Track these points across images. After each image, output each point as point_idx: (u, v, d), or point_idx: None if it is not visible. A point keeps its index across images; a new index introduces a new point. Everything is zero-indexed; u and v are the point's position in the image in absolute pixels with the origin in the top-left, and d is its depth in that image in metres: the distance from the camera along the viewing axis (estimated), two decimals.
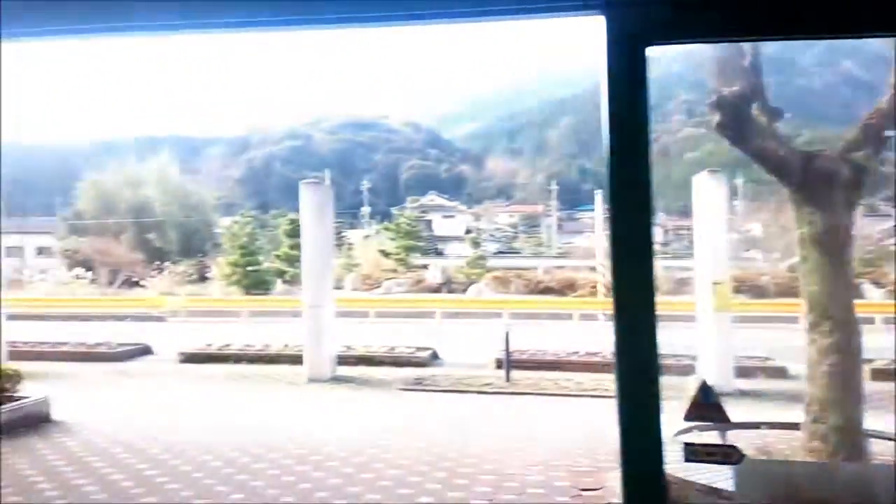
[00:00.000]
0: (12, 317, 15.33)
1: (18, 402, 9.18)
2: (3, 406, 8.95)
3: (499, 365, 12.46)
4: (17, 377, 9.50)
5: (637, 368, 1.52)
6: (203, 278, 33.39)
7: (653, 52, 1.52)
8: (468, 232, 45.66)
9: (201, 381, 12.07)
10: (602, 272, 20.92)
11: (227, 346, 14.74)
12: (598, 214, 21.93)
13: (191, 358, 14.11)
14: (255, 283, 29.84)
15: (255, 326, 20.14)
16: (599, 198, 21.85)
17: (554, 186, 58.29)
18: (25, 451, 7.86)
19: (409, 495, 6.30)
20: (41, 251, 43.86)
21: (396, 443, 8.01)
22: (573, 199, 66.23)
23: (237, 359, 13.93)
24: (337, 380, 12.06)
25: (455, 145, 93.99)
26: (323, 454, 7.54)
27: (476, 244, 36.34)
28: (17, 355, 12.72)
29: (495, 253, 41.45)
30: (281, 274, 31.47)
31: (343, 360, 13.01)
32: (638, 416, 1.53)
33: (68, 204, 49.08)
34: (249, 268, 30.53)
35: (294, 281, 30.45)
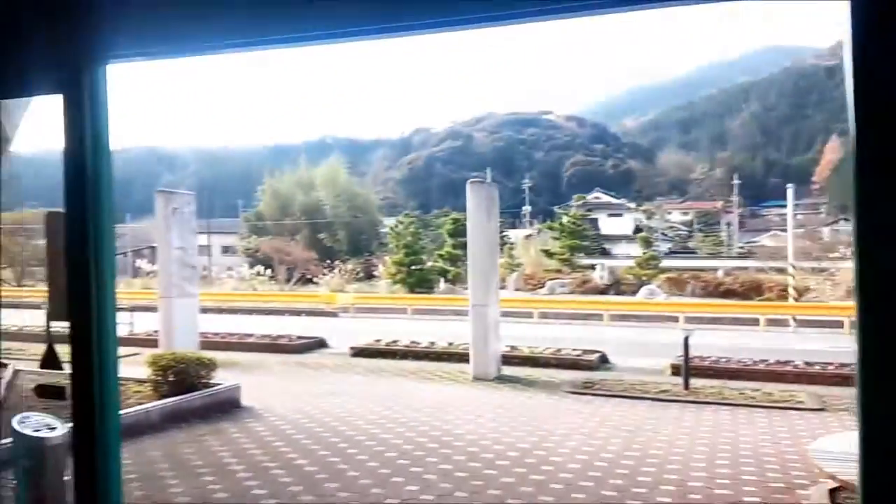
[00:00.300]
0: (203, 310, 16.96)
1: (213, 389, 10.19)
2: (200, 391, 9.99)
3: (676, 371, 11.99)
4: (212, 365, 10.53)
5: (887, 379, 1.41)
6: (370, 276, 35.16)
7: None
8: (638, 230, 44.28)
9: (372, 375, 12.72)
10: (793, 273, 19.41)
11: (395, 342, 15.41)
12: (788, 210, 20.33)
13: (361, 352, 14.90)
14: (419, 282, 30.93)
15: (419, 324, 20.86)
16: (790, 192, 20.27)
17: (735, 181, 55.05)
18: (219, 434, 8.71)
19: (584, 500, 6.26)
20: (226, 250, 48.35)
21: (567, 446, 7.97)
22: (757, 195, 62.28)
23: (404, 354, 14.52)
24: (502, 379, 12.21)
25: (622, 139, 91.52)
26: (493, 452, 7.67)
27: (647, 243, 35.13)
28: (208, 345, 14.13)
29: (668, 253, 39.90)
30: (444, 273, 32.36)
31: (508, 360, 13.14)
32: (886, 433, 1.41)
33: (250, 206, 53.69)
34: (413, 267, 31.69)
35: (456, 280, 31.23)
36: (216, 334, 16.35)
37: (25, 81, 3.34)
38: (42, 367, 3.34)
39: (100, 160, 3.14)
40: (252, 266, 35.03)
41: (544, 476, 6.89)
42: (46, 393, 4.46)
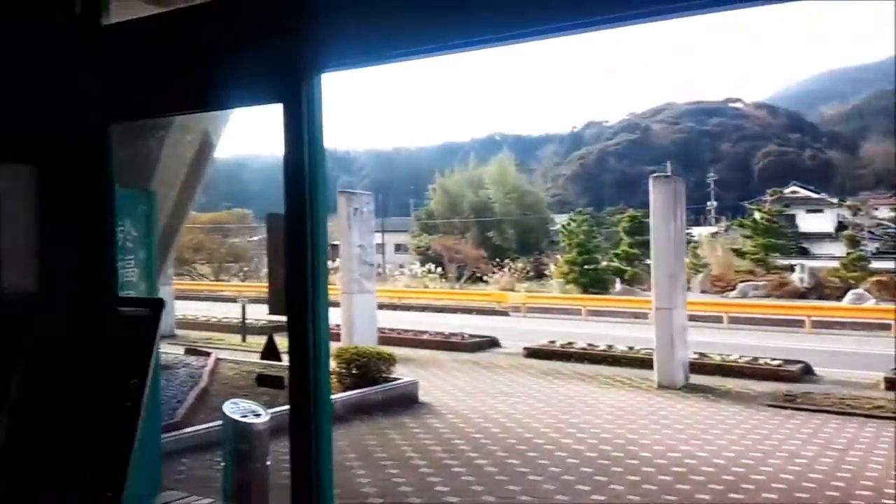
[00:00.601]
0: (378, 306, 17.72)
1: (393, 384, 10.62)
2: (380, 385, 10.44)
3: (891, 385, 10.86)
4: (391, 360, 10.98)
5: None
6: (540, 275, 35.09)
7: None
8: (842, 228, 40.52)
9: (547, 377, 12.62)
10: None
11: (570, 343, 15.21)
12: None
13: (535, 353, 14.87)
14: (593, 282, 30.35)
15: (594, 325, 20.48)
16: None
17: None
18: (400, 428, 9.05)
19: None
20: (398, 248, 50.44)
21: (768, 463, 7.44)
22: None
23: (580, 357, 14.29)
24: (690, 388, 11.65)
25: (821, 129, 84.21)
26: (684, 466, 7.32)
27: (854, 242, 32.04)
28: (384, 340, 14.76)
29: (876, 253, 36.11)
30: (620, 273, 31.53)
31: (696, 368, 12.53)
32: None
33: (422, 204, 55.56)
34: (587, 266, 31.15)
35: (634, 280, 30.31)
36: (392, 330, 17.06)
37: (247, 92, 3.62)
38: (263, 357, 3.61)
39: (316, 165, 3.33)
40: (423, 264, 36.20)
41: (744, 495, 6.47)
42: (266, 382, 4.85)
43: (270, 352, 3.48)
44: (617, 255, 33.08)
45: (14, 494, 3.23)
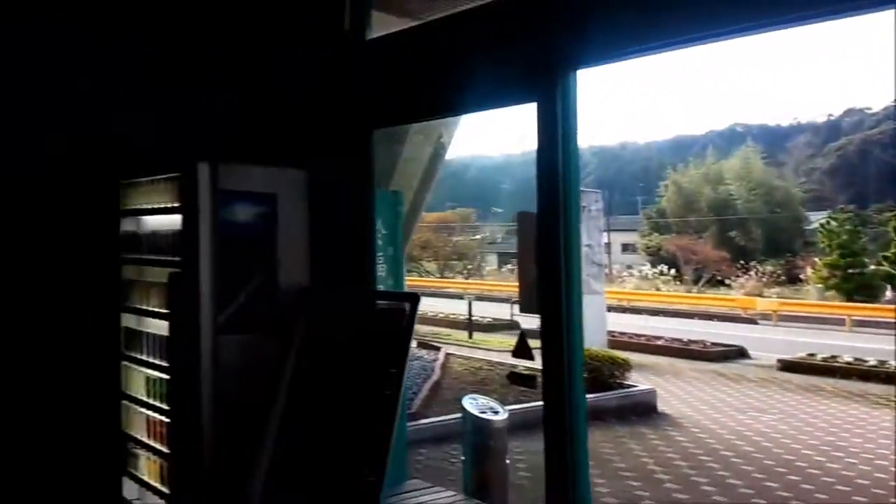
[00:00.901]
0: (608, 308, 17.45)
1: (628, 390, 10.44)
2: (614, 391, 10.31)
3: None
4: (626, 366, 10.80)
5: None
6: (793, 280, 32.45)
7: None
8: None
9: (807, 394, 11.65)
10: None
11: (834, 357, 13.92)
12: None
13: (792, 366, 13.80)
14: (859, 288, 27.45)
15: (860, 338, 18.53)
16: None
17: None
18: (638, 437, 8.86)
19: None
20: (626, 248, 49.35)
21: None
22: None
23: (846, 373, 13.05)
24: None
25: None
26: None
27: None
28: (614, 344, 14.53)
29: None
30: (891, 279, 28.20)
31: None
32: None
33: (651, 202, 53.84)
34: (851, 270, 28.26)
35: None
36: (622, 334, 16.72)
37: (501, 94, 3.80)
38: (514, 356, 3.78)
39: (569, 163, 3.42)
40: (654, 265, 35.08)
41: None
42: (518, 380, 5.07)
43: (522, 350, 3.62)
44: (887, 259, 29.58)
45: (287, 475, 3.66)
